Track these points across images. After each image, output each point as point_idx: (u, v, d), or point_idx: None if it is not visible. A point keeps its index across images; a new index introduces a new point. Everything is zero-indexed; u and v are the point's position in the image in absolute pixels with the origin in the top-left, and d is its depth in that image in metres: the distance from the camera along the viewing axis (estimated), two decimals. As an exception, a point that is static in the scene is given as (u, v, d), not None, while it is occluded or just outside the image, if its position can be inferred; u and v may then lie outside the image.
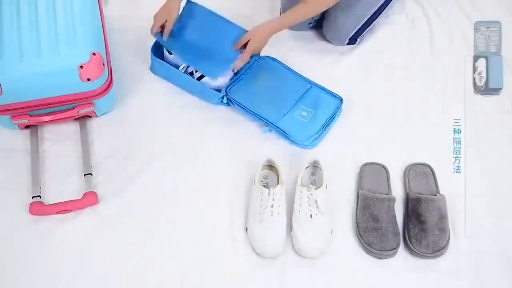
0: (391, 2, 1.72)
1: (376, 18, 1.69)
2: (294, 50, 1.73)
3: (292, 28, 1.73)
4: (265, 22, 1.57)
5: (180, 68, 1.60)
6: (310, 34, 1.76)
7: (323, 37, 1.75)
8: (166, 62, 1.62)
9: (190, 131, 1.57)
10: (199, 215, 1.43)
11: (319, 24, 1.74)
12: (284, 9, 1.74)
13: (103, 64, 1.42)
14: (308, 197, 1.38)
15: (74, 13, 1.42)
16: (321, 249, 1.37)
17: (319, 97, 1.59)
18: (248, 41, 1.55)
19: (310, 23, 1.72)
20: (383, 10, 1.69)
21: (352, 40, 1.70)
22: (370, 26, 1.70)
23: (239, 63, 1.57)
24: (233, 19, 1.69)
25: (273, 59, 1.66)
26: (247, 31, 1.59)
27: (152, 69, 1.66)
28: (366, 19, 1.67)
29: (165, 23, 1.53)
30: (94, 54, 1.39)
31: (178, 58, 1.60)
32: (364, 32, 1.70)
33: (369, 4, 1.66)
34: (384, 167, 1.49)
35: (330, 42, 1.73)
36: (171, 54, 1.60)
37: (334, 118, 1.56)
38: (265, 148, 1.52)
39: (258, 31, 1.56)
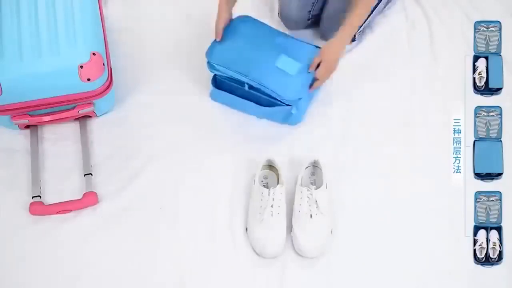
0: (389, 1, 1.72)
1: (372, 13, 1.68)
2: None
3: (290, 27, 1.73)
4: (334, 37, 1.47)
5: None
6: (310, 33, 1.76)
7: (323, 36, 1.74)
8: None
9: (190, 131, 1.57)
10: (199, 215, 1.43)
11: (317, 21, 1.73)
12: (281, 10, 1.73)
13: (103, 64, 1.42)
14: (308, 197, 1.38)
15: (74, 13, 1.42)
16: (321, 249, 1.37)
17: (299, 48, 1.53)
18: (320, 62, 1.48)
19: (309, 19, 1.72)
20: (377, 5, 1.68)
21: None
22: (367, 22, 1.69)
23: (315, 86, 1.51)
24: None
25: (249, 17, 1.60)
26: (303, 42, 1.55)
27: (212, 96, 1.61)
28: None
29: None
30: (94, 54, 1.39)
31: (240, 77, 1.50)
32: (361, 29, 1.69)
33: None
34: None
35: None
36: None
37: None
38: (265, 148, 1.52)
39: (328, 51, 1.47)
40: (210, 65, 1.52)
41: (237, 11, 1.80)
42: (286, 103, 1.49)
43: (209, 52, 1.51)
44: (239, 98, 1.55)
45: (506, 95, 1.64)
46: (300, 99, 1.48)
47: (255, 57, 1.49)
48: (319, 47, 1.52)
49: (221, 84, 1.57)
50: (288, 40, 1.54)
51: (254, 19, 1.59)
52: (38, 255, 1.36)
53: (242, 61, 1.49)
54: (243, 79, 1.48)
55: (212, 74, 1.55)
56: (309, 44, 1.55)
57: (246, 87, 1.51)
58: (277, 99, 1.49)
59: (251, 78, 1.47)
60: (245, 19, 1.58)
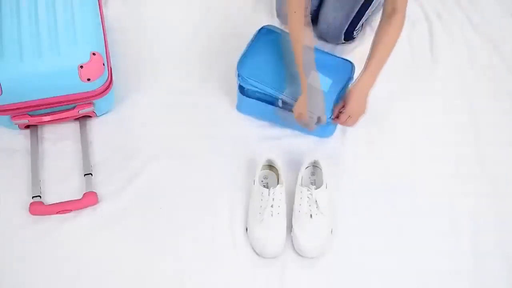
0: None
1: (367, 9, 1.67)
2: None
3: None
4: (357, 80, 1.39)
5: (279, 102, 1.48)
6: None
7: (320, 35, 1.74)
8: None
9: (190, 131, 1.57)
10: (199, 215, 1.43)
11: (315, 18, 1.72)
12: (278, 10, 1.72)
13: (103, 64, 1.42)
14: (308, 197, 1.38)
15: (74, 13, 1.42)
16: (321, 249, 1.37)
17: (329, 62, 1.50)
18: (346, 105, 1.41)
19: (306, 16, 1.71)
20: (372, 1, 1.67)
21: (349, 35, 1.69)
22: (364, 18, 1.68)
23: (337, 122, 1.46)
24: (234, 20, 1.69)
25: (275, 28, 1.56)
26: (331, 54, 1.52)
27: (239, 107, 1.58)
28: (356, 11, 1.65)
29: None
30: (94, 54, 1.39)
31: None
32: (359, 26, 1.69)
33: None
34: None
35: (328, 42, 1.72)
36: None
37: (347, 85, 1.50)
38: (265, 148, 1.52)
39: (354, 96, 1.39)
40: (242, 78, 1.47)
41: (236, 11, 1.80)
42: None
43: (241, 65, 1.47)
44: (276, 108, 1.50)
45: (506, 95, 1.65)
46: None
47: (289, 72, 1.45)
48: (348, 61, 1.51)
49: (247, 94, 1.52)
50: (317, 53, 1.48)
51: (280, 29, 1.55)
52: (38, 255, 1.36)
53: (276, 77, 1.45)
54: (278, 95, 1.45)
55: (236, 85, 1.52)
56: (338, 57, 1.53)
57: (280, 103, 1.47)
58: None
59: (287, 94, 1.44)
60: (272, 30, 1.55)
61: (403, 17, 1.40)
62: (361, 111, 1.42)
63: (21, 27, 1.38)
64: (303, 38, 1.41)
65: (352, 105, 1.39)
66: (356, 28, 1.68)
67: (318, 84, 1.41)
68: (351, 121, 1.42)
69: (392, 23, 1.40)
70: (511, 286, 1.35)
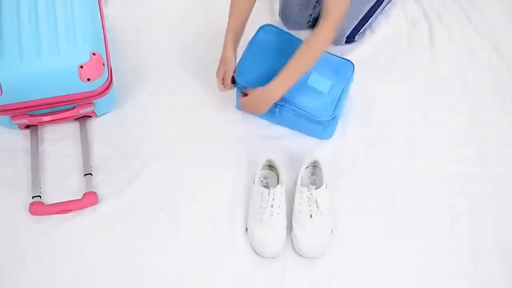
0: (389, 1, 1.72)
1: (372, 15, 1.67)
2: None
3: (290, 28, 1.73)
4: (270, 82, 1.38)
5: None
6: (309, 34, 1.76)
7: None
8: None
9: (190, 131, 1.57)
10: (199, 215, 1.43)
11: (317, 22, 1.73)
12: (282, 11, 1.72)
13: (103, 64, 1.42)
14: (308, 197, 1.38)
15: (74, 13, 1.42)
16: (321, 249, 1.37)
17: (329, 62, 1.49)
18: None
19: (309, 21, 1.71)
20: (378, 7, 1.67)
21: (350, 39, 1.69)
22: (367, 23, 1.68)
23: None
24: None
25: (273, 27, 1.55)
26: (331, 54, 1.51)
27: (239, 106, 1.57)
28: (361, 16, 1.65)
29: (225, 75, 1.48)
30: (94, 54, 1.39)
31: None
32: (362, 30, 1.69)
33: (363, 0, 1.65)
34: None
35: None
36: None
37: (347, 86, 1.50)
38: (265, 148, 1.52)
39: (256, 94, 1.40)
40: (239, 85, 1.48)
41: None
42: (321, 122, 1.46)
43: (239, 73, 1.47)
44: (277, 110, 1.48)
45: (506, 95, 1.65)
46: (335, 116, 1.47)
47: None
48: (348, 61, 1.51)
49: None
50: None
51: (278, 29, 1.55)
52: (38, 255, 1.36)
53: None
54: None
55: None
56: (338, 57, 1.52)
57: (277, 109, 1.46)
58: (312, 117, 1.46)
59: (285, 99, 1.43)
60: (269, 30, 1.54)
61: (331, 24, 1.35)
62: (257, 109, 1.45)
63: (21, 27, 1.38)
64: (240, 12, 1.47)
65: (250, 100, 1.43)
66: (358, 32, 1.68)
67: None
68: (242, 106, 1.47)
69: (318, 29, 1.36)
70: (511, 286, 1.35)
